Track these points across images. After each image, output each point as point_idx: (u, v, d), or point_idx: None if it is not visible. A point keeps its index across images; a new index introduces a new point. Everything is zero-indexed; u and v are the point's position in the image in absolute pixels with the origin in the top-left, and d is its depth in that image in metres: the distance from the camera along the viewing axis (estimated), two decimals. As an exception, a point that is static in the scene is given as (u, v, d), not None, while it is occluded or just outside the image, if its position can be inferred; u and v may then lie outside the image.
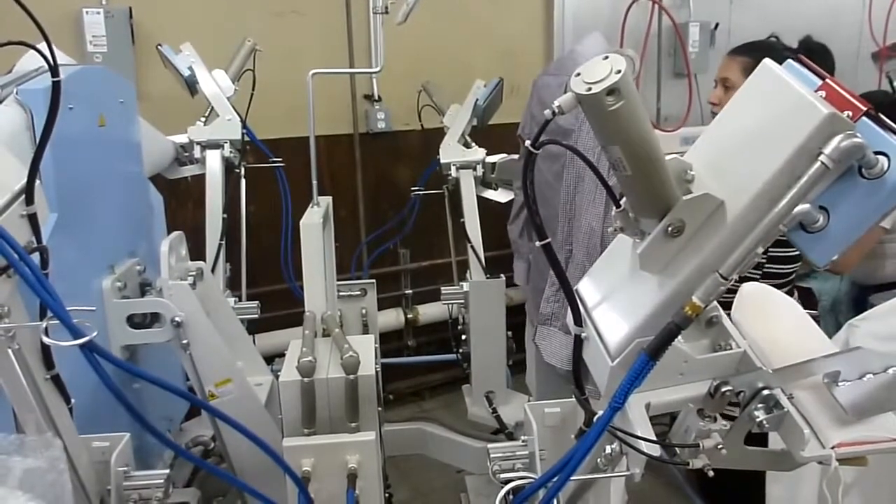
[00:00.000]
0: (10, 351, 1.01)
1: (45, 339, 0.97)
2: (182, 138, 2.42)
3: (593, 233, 2.24)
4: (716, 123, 0.92)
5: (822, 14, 4.81)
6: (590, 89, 0.74)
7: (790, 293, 2.08)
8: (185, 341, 1.53)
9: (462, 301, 2.64)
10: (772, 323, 1.01)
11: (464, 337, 2.67)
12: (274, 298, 2.96)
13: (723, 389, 0.87)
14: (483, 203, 2.72)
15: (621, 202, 0.87)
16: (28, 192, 0.98)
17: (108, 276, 1.62)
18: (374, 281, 2.46)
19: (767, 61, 0.86)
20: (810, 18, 4.76)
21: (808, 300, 3.25)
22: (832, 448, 0.87)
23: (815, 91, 0.79)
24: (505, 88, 2.89)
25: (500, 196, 2.87)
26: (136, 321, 1.62)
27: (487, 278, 2.57)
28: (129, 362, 1.66)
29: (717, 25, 4.32)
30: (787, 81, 0.81)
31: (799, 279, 3.25)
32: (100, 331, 1.05)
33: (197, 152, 2.39)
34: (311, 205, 2.05)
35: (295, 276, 2.58)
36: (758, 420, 0.87)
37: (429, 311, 3.83)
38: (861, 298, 2.99)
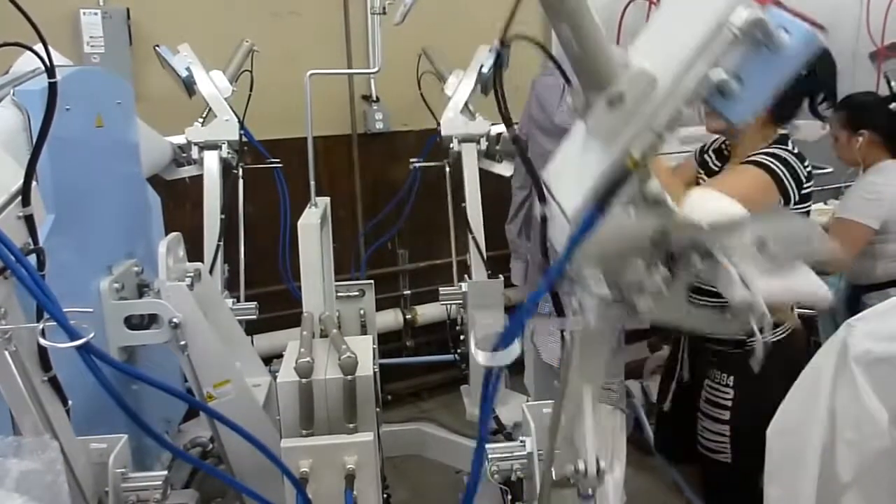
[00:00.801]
0: (6, 353, 1.01)
1: (42, 341, 0.97)
2: (180, 139, 2.42)
3: None
4: (651, 21, 1.07)
5: (820, 14, 4.70)
6: None
7: None
8: (182, 342, 1.52)
9: (460, 301, 2.64)
10: (709, 203, 1.15)
11: (462, 337, 2.67)
12: (272, 299, 2.96)
13: (659, 236, 0.99)
14: (481, 201, 2.63)
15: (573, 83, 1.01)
16: (24, 193, 0.98)
17: (105, 278, 1.62)
18: (372, 282, 2.46)
19: None
20: (807, 18, 4.77)
21: (805, 300, 3.26)
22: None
23: None
24: (489, 109, 2.81)
25: (504, 169, 2.74)
26: (133, 322, 1.61)
27: (487, 275, 2.55)
28: (127, 363, 1.66)
29: (714, 25, 4.32)
30: None
31: None
32: (97, 332, 1.05)
33: (195, 153, 2.39)
34: (308, 205, 2.05)
35: (293, 277, 2.57)
36: (695, 268, 0.99)
37: (427, 312, 3.82)
38: (856, 299, 2.99)
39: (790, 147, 1.99)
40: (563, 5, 0.89)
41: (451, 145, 2.57)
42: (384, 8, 2.10)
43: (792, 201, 1.94)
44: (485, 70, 2.60)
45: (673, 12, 1.03)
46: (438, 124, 2.63)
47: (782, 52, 0.89)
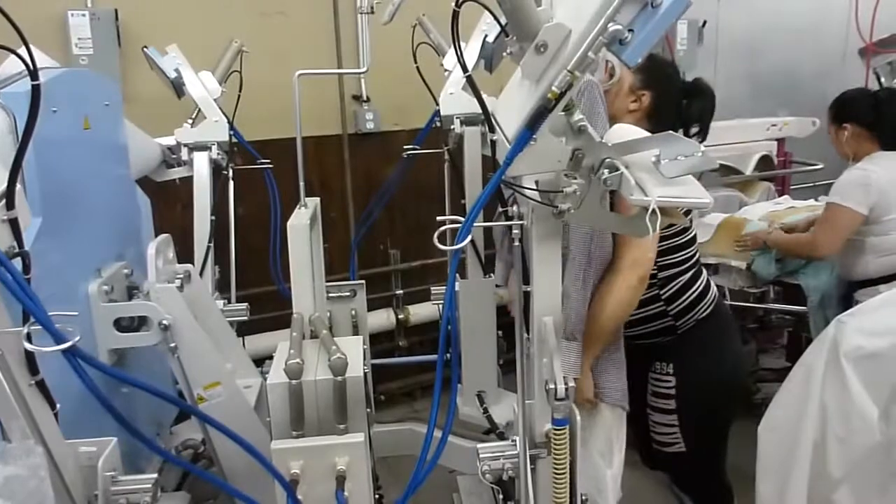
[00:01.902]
0: (-8, 357, 1.00)
1: (28, 346, 0.97)
2: (169, 140, 2.41)
3: (591, 232, 2.24)
4: None
5: (810, 11, 4.84)
6: None
7: (697, 274, 2.14)
8: (172, 344, 1.52)
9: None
10: (625, 134, 1.40)
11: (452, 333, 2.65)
12: (263, 300, 2.95)
13: (579, 155, 1.26)
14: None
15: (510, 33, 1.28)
16: (8, 196, 0.97)
17: (94, 280, 1.61)
18: (363, 282, 2.45)
19: None
20: (797, 15, 4.79)
21: (797, 296, 3.28)
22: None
23: None
24: (493, 88, 2.78)
25: None
26: (123, 325, 1.60)
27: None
28: (117, 365, 1.65)
29: (704, 23, 4.33)
30: None
31: (789, 276, 3.27)
32: (87, 334, 1.05)
33: (184, 154, 2.38)
34: (298, 206, 2.04)
35: (284, 278, 2.56)
36: (603, 178, 1.25)
37: (420, 312, 3.82)
38: (848, 294, 3.01)
39: None
40: None
41: (452, 126, 2.32)
42: (372, 7, 2.08)
43: None
44: (490, 39, 2.34)
45: None
46: (437, 103, 2.40)
47: (661, 9, 1.14)
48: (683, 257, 2.09)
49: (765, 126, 4.17)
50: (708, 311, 2.12)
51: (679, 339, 2.11)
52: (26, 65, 0.96)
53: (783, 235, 3.15)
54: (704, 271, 2.20)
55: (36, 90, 0.97)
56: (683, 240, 2.08)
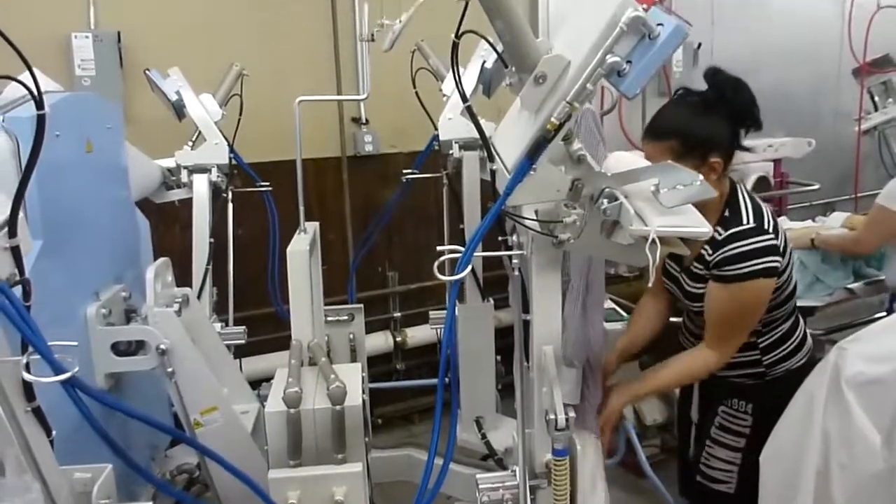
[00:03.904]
0: (-11, 385, 0.99)
1: (27, 376, 0.96)
2: (169, 162, 2.41)
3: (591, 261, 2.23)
4: (567, 19, 1.36)
5: (803, 32, 4.88)
6: None
7: (795, 324, 2.05)
8: (170, 369, 1.51)
9: (451, 325, 2.61)
10: (623, 162, 1.44)
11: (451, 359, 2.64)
12: (261, 322, 2.94)
13: (578, 185, 1.27)
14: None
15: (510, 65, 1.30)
16: (11, 224, 0.97)
17: (93, 303, 1.60)
18: (361, 306, 2.45)
19: None
20: (791, 37, 4.84)
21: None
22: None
23: None
24: (491, 112, 2.78)
25: None
26: (121, 348, 1.60)
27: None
28: (114, 388, 1.64)
29: (699, 45, 4.37)
30: None
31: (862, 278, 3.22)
32: (84, 358, 1.03)
33: (184, 176, 2.38)
34: (297, 231, 2.04)
35: (282, 300, 2.56)
36: (602, 207, 1.26)
37: (417, 335, 3.80)
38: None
39: (747, 206, 1.87)
40: (497, 5, 1.18)
41: (451, 151, 2.35)
42: (372, 35, 2.09)
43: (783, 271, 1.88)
44: (488, 65, 2.35)
45: (582, 12, 1.32)
46: (436, 128, 2.42)
47: (658, 41, 1.15)
48: (789, 305, 1.99)
49: (761, 147, 4.19)
50: (801, 362, 2.02)
51: (765, 384, 2.00)
52: (32, 94, 0.96)
53: (829, 233, 3.12)
54: (802, 321, 2.10)
55: (41, 119, 0.97)
56: (787, 292, 1.96)
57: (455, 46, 1.31)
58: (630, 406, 3.39)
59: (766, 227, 1.83)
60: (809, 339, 2.09)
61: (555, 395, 1.34)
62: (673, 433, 2.71)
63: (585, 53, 1.18)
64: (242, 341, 2.31)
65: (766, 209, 1.91)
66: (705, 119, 1.86)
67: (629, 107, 4.12)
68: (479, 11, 1.22)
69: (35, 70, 1.05)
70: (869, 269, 3.18)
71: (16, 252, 1.00)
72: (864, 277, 3.17)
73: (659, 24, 1.17)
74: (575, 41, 1.23)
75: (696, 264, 1.90)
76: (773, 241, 1.81)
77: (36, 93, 0.96)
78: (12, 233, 0.98)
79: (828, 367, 1.80)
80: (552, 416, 1.31)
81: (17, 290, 1.02)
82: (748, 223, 1.82)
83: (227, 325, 2.44)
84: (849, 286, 3.10)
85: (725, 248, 1.79)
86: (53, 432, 1.15)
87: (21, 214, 1.00)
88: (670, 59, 3.99)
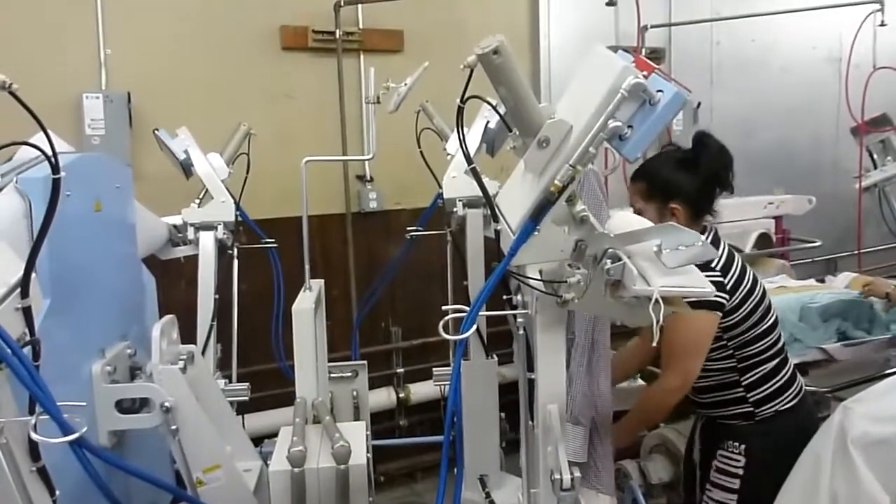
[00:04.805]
0: (-4, 445, 0.99)
1: (35, 436, 0.96)
2: (176, 219, 2.43)
3: (595, 319, 2.24)
4: (570, 85, 1.39)
5: (801, 92, 4.98)
6: (482, 51, 1.19)
7: (781, 365, 2.11)
8: (174, 427, 1.51)
9: (454, 381, 2.60)
10: (626, 222, 1.45)
11: (456, 419, 2.62)
12: (264, 378, 2.93)
13: (581, 246, 1.29)
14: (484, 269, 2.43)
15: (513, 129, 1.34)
16: (24, 286, 0.99)
17: (98, 361, 1.60)
18: (365, 362, 2.44)
19: (599, 47, 1.32)
20: (789, 95, 4.93)
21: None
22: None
23: (631, 62, 1.25)
24: (494, 170, 2.76)
25: None
26: (125, 405, 1.59)
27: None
28: (116, 443, 1.63)
29: (699, 104, 4.47)
30: (609, 55, 1.30)
31: None
32: (87, 415, 1.04)
33: (191, 234, 2.40)
34: (303, 289, 2.06)
35: (286, 356, 2.55)
36: (606, 268, 1.27)
37: (421, 390, 3.78)
38: None
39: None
40: (501, 73, 1.22)
41: (455, 209, 2.37)
42: (378, 97, 2.15)
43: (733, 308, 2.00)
44: (491, 125, 2.41)
45: (584, 78, 1.36)
46: (440, 186, 2.46)
47: (658, 106, 1.19)
48: (767, 344, 2.07)
49: (762, 204, 4.23)
50: (790, 404, 2.09)
51: (756, 425, 2.08)
52: (49, 159, 0.99)
53: None
54: (791, 363, 2.17)
55: (56, 183, 1.00)
56: (763, 327, 2.06)
57: (460, 111, 1.35)
58: (636, 465, 3.36)
59: (714, 266, 1.98)
60: (800, 383, 2.16)
61: (560, 454, 1.33)
62: (679, 491, 2.67)
63: (588, 118, 1.21)
64: (246, 398, 2.30)
65: (736, 258, 2.06)
66: (675, 170, 2.08)
67: (633, 164, 4.17)
68: (483, 75, 1.25)
69: (49, 132, 1.08)
70: (857, 332, 3.14)
71: (27, 313, 1.01)
72: (849, 338, 3.12)
73: (659, 91, 1.21)
74: (577, 106, 1.26)
75: None
76: (719, 279, 1.96)
77: (52, 157, 0.99)
78: (24, 293, 1.00)
79: (833, 428, 1.79)
80: (557, 476, 1.31)
81: (27, 350, 1.03)
82: None
83: (230, 381, 2.43)
84: (824, 346, 3.04)
85: None
86: (57, 493, 1.15)
87: (33, 275, 1.02)
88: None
